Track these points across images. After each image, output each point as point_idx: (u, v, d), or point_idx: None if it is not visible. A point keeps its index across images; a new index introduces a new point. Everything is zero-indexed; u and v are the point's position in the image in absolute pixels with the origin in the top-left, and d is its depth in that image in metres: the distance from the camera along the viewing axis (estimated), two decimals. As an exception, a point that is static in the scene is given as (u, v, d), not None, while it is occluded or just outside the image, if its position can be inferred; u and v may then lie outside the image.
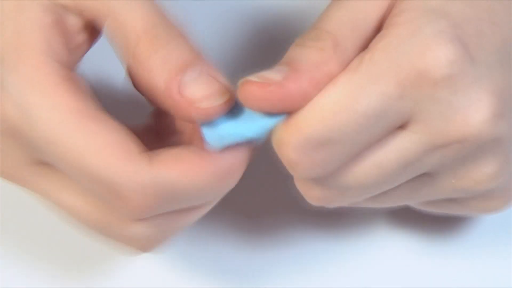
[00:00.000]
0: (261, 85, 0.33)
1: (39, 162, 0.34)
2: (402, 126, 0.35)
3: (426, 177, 0.37)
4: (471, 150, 0.35)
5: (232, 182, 0.35)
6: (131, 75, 0.33)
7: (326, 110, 0.33)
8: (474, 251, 0.49)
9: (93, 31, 0.35)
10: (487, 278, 0.49)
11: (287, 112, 0.34)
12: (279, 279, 0.49)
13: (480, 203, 0.39)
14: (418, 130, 0.34)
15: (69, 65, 0.33)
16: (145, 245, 0.36)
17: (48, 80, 0.32)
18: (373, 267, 0.49)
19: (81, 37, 0.34)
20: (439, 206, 0.41)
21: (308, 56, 0.34)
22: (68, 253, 0.49)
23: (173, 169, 0.32)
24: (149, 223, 0.34)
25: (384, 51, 0.33)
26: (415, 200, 0.40)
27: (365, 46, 0.35)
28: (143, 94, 0.34)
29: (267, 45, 0.51)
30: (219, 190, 0.35)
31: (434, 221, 0.49)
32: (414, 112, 0.34)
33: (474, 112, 0.34)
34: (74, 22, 0.34)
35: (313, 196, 0.37)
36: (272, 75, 0.33)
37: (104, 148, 0.32)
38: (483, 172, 0.36)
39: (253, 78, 0.33)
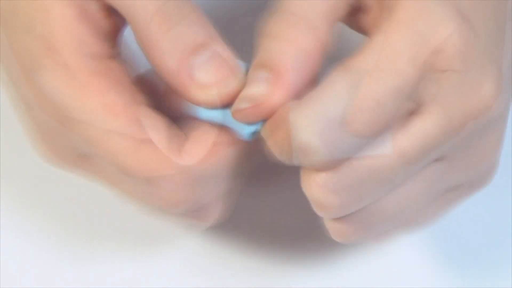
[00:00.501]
0: (253, 108, 0.33)
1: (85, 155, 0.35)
2: (418, 111, 0.34)
3: (439, 164, 0.36)
4: (482, 127, 0.35)
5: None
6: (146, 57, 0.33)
7: (345, 92, 0.32)
8: (474, 250, 0.49)
9: (117, 15, 0.34)
10: (487, 278, 0.49)
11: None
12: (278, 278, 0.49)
13: (476, 182, 0.39)
14: (436, 111, 0.34)
15: (104, 54, 0.34)
16: (197, 221, 0.38)
17: (79, 80, 0.32)
18: (372, 266, 0.49)
19: (107, 23, 0.34)
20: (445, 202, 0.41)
21: (286, 53, 0.33)
22: (68, 253, 0.49)
23: (201, 160, 0.34)
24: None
25: (398, 32, 0.33)
26: (428, 199, 0.38)
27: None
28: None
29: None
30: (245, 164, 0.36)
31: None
32: (431, 93, 0.34)
33: (486, 87, 0.33)
34: (96, 9, 0.33)
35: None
36: (257, 88, 0.33)
37: (138, 147, 0.33)
38: (489, 150, 0.36)
39: (243, 104, 0.33)
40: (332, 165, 0.33)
